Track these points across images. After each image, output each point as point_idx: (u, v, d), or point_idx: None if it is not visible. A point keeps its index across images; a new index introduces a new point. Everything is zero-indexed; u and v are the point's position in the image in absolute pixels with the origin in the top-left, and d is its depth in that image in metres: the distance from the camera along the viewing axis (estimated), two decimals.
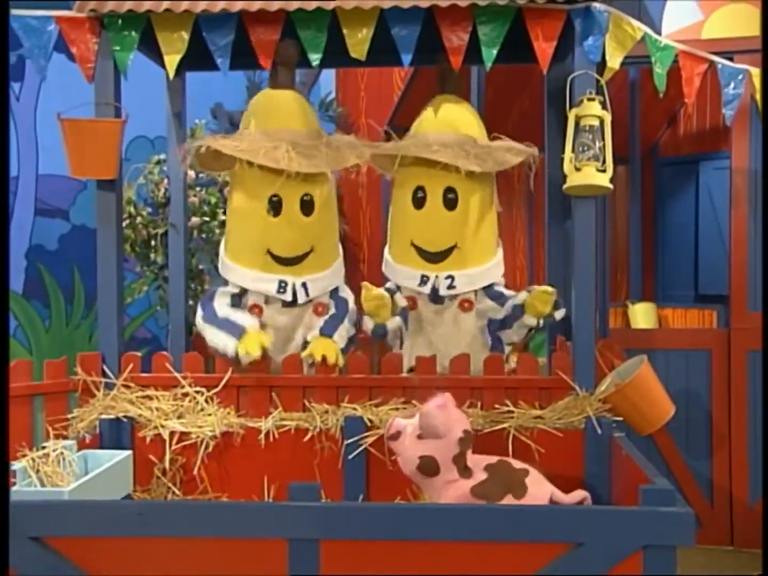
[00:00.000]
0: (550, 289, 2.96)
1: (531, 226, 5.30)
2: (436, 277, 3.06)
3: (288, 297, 2.98)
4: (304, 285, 2.98)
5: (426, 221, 3.07)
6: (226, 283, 3.07)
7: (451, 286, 3.06)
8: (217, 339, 2.90)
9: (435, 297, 3.10)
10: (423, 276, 3.07)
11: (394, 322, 3.03)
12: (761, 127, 3.37)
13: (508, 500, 2.36)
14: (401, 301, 3.09)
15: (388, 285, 3.24)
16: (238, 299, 3.04)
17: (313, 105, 4.39)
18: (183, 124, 3.50)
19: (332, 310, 3.07)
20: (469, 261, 3.07)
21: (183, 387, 2.86)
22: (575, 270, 2.85)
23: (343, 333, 3.02)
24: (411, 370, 2.99)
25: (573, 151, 2.74)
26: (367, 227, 5.15)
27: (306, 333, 3.04)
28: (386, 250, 3.25)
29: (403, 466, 2.39)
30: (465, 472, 2.36)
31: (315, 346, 2.89)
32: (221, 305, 3.00)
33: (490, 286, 3.14)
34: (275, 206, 2.95)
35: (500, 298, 3.12)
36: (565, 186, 2.80)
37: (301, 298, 3.00)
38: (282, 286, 2.96)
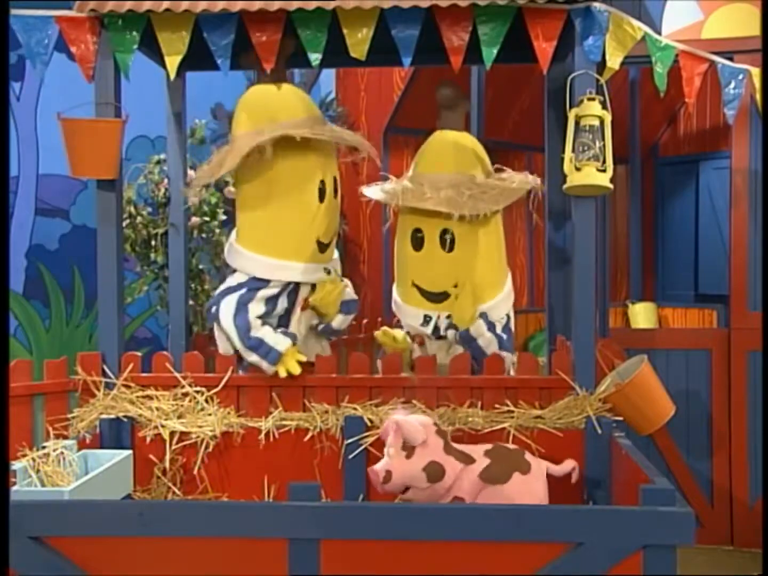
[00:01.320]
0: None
1: (531, 226, 5.30)
2: (438, 316, 3.08)
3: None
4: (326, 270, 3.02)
5: (424, 262, 3.09)
6: (255, 286, 2.92)
7: (450, 326, 3.08)
8: (248, 357, 2.87)
9: (438, 336, 3.11)
10: (426, 316, 3.10)
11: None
12: (761, 127, 3.37)
13: (517, 478, 2.41)
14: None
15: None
16: (274, 302, 2.93)
17: None
18: (183, 123, 3.49)
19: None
20: (471, 301, 3.05)
21: (183, 387, 2.86)
22: (575, 270, 2.84)
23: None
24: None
25: (573, 150, 2.73)
26: (367, 227, 5.14)
27: None
28: (394, 288, 3.27)
29: (414, 494, 2.37)
30: (465, 458, 2.38)
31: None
32: (255, 319, 2.87)
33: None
34: (322, 191, 2.94)
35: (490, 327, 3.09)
36: (565, 186, 2.79)
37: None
38: (325, 271, 3.01)
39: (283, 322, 2.97)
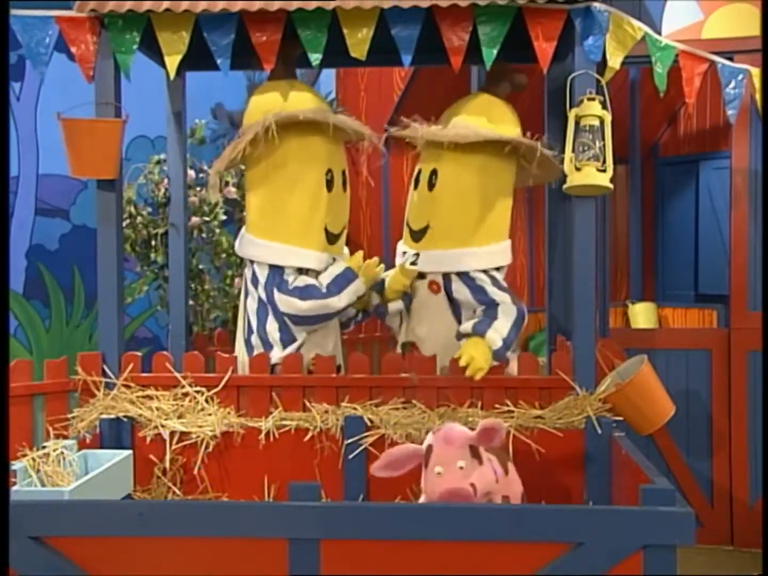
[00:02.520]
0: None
1: (531, 226, 5.30)
2: (413, 253, 3.14)
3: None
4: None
5: (414, 201, 3.18)
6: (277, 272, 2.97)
7: (413, 263, 3.10)
8: (343, 300, 2.96)
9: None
10: (403, 252, 3.19)
11: (396, 305, 3.17)
12: (761, 127, 3.37)
13: (511, 467, 2.39)
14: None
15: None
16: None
17: None
18: (183, 123, 3.50)
19: None
20: (440, 243, 3.06)
21: (183, 387, 2.87)
22: (575, 270, 2.85)
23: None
24: (404, 345, 3.13)
25: (573, 150, 2.74)
26: (367, 227, 5.15)
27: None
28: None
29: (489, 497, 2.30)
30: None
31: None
32: (304, 278, 2.98)
33: (469, 276, 3.04)
34: (329, 181, 2.99)
35: (480, 294, 3.03)
36: (565, 186, 2.80)
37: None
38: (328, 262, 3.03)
39: None
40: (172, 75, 2.83)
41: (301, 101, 2.97)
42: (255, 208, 3.05)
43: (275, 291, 2.96)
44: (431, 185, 3.07)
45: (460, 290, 3.05)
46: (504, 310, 3.00)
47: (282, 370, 2.92)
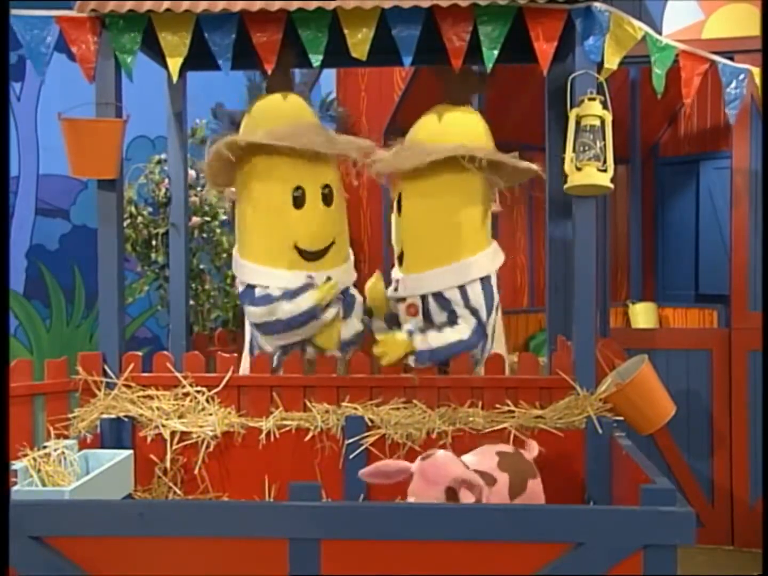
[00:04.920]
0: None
1: (532, 226, 5.30)
2: (395, 279, 3.07)
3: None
4: (328, 278, 2.96)
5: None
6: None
7: (395, 289, 3.07)
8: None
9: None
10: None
11: (378, 323, 3.12)
12: (762, 126, 3.37)
13: (531, 484, 2.38)
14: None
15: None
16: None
17: (314, 105, 4.39)
18: (184, 123, 3.50)
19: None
20: (414, 266, 3.01)
21: (184, 387, 2.87)
22: (576, 269, 2.85)
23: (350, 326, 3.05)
24: None
25: (574, 150, 2.74)
26: (368, 227, 5.14)
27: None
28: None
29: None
30: (489, 479, 2.29)
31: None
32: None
33: (443, 296, 2.98)
34: (299, 198, 2.95)
35: (450, 313, 2.98)
36: (566, 186, 2.80)
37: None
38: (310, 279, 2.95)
39: None
40: (175, 78, 2.84)
41: (292, 115, 2.98)
42: (236, 226, 3.15)
43: (245, 304, 3.01)
44: (399, 209, 3.05)
45: (435, 311, 3.00)
46: (457, 328, 2.95)
47: (283, 371, 2.92)
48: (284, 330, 2.92)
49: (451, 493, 2.14)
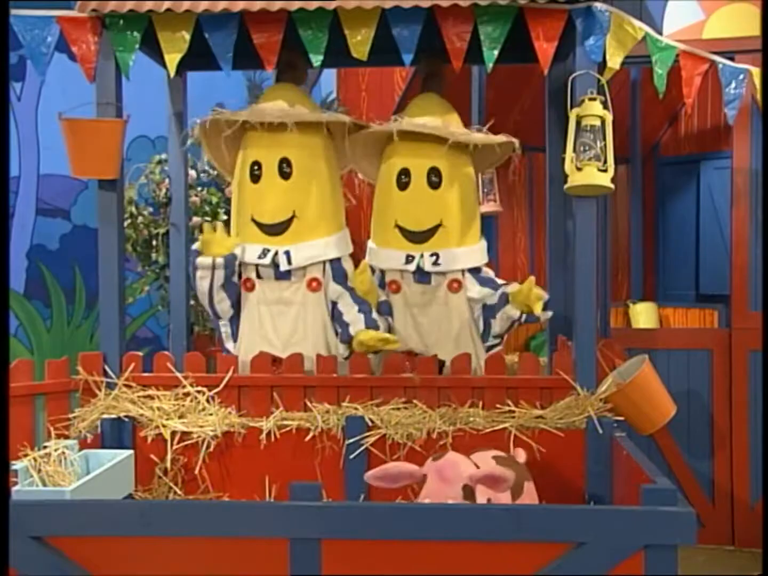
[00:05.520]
0: (543, 294, 2.96)
1: (532, 226, 5.30)
2: (421, 255, 3.06)
3: (267, 263, 2.99)
4: (286, 253, 2.99)
5: (411, 202, 3.09)
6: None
7: (436, 263, 3.06)
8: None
9: (421, 276, 3.10)
10: (408, 255, 3.07)
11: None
12: (762, 126, 3.37)
13: (528, 487, 2.40)
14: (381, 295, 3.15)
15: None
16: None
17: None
18: (184, 123, 3.49)
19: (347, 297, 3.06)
20: (453, 240, 3.08)
21: (184, 387, 2.87)
22: (576, 269, 2.84)
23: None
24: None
25: (574, 150, 2.73)
26: (367, 226, 5.12)
27: (301, 311, 3.03)
28: (369, 240, 3.26)
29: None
30: None
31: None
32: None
33: (479, 271, 3.12)
34: (256, 174, 3.03)
35: (492, 283, 3.11)
36: (566, 186, 2.80)
37: (284, 265, 3.00)
38: (263, 253, 2.99)
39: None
40: (172, 73, 2.84)
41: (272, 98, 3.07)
42: None
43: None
44: (434, 183, 3.06)
45: (474, 287, 3.09)
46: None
47: (284, 370, 2.92)
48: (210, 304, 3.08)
49: (468, 490, 2.14)
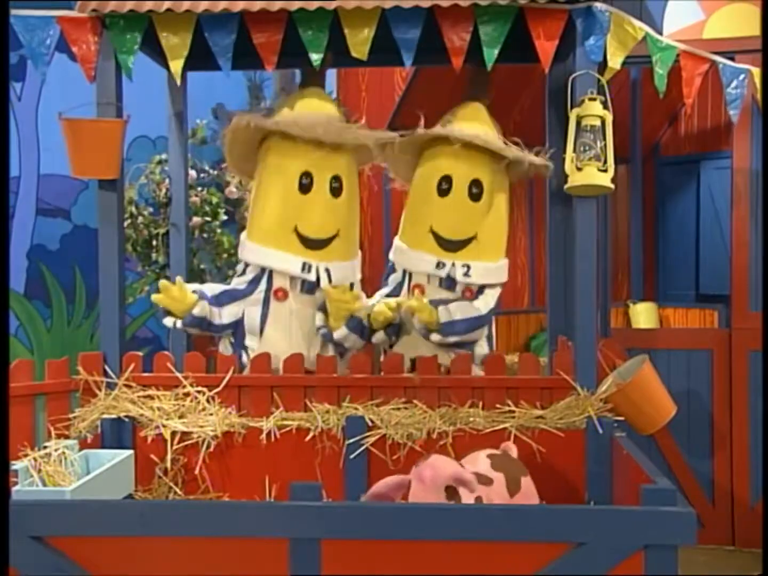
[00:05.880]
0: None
1: (532, 226, 5.30)
2: (453, 264, 3.08)
3: (312, 278, 2.97)
4: (326, 270, 2.98)
5: (449, 210, 3.09)
6: (243, 270, 3.07)
7: (467, 274, 3.08)
8: None
9: (447, 283, 3.11)
10: (439, 262, 3.09)
11: (380, 336, 3.09)
12: (762, 126, 3.37)
13: (525, 482, 2.40)
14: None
15: (383, 291, 3.26)
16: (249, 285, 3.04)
17: None
18: (184, 124, 3.50)
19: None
20: (484, 254, 3.11)
21: (184, 387, 2.87)
22: (576, 270, 2.85)
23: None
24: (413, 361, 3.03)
25: (574, 151, 2.74)
26: (368, 227, 5.14)
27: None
28: (397, 238, 3.26)
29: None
30: (486, 480, 2.30)
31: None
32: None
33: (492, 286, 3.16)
34: (305, 184, 2.97)
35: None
36: (566, 186, 2.80)
37: (324, 282, 2.98)
38: (306, 268, 2.97)
39: (263, 309, 3.01)
40: (178, 80, 2.85)
41: (317, 107, 3.04)
42: (250, 210, 3.17)
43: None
44: (474, 195, 3.07)
45: (483, 298, 3.13)
46: (476, 304, 3.10)
47: (284, 370, 2.92)
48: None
49: (452, 491, 2.14)
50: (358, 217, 3.16)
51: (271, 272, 3.01)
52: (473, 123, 3.10)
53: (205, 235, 4.14)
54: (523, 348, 4.77)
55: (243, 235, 3.12)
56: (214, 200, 4.14)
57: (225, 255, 4.14)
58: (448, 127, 3.08)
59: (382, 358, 3.09)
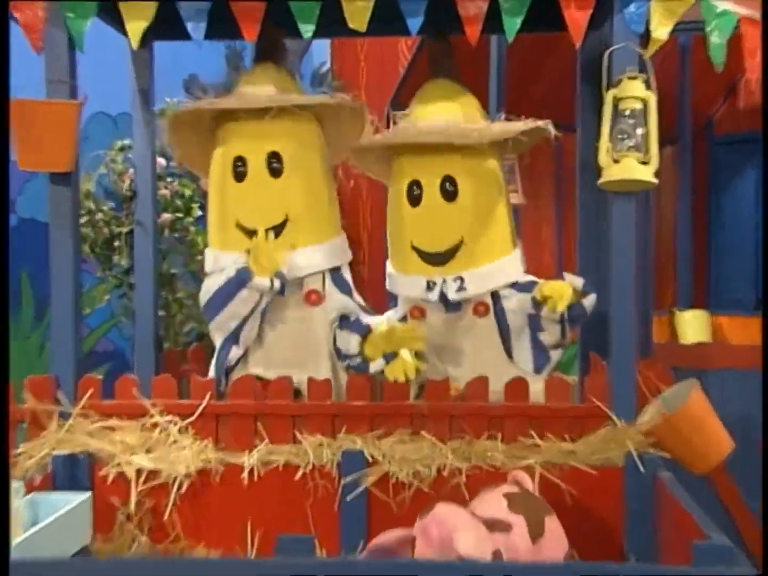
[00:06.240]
0: (568, 284, 2.99)
1: (559, 220, 5.29)
2: (443, 281, 3.06)
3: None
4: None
5: (425, 219, 3.08)
6: None
7: (461, 288, 3.06)
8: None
9: (447, 304, 3.10)
10: (429, 282, 3.08)
11: (378, 364, 3.04)
12: (762, 126, 3.33)
13: (550, 522, 2.39)
14: None
15: (391, 315, 3.27)
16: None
17: (305, 78, 4.39)
18: (151, 102, 3.50)
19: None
20: (479, 257, 3.08)
21: (152, 416, 2.87)
22: (612, 273, 2.84)
23: None
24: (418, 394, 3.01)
25: (610, 139, 2.72)
26: (368, 223, 5.15)
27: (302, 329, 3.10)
28: (388, 263, 3.28)
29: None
30: (500, 526, 2.29)
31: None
32: None
33: (521, 284, 3.13)
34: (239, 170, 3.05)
35: (532, 285, 3.10)
36: (600, 180, 2.79)
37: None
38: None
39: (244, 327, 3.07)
40: (135, 45, 2.84)
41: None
42: None
43: None
44: (449, 195, 3.05)
45: (514, 303, 3.09)
46: None
47: (270, 395, 2.92)
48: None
49: None
50: (320, 194, 3.14)
51: None
52: (437, 105, 3.08)
53: (176, 235, 4.16)
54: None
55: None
56: (187, 193, 4.15)
57: (200, 257, 4.14)
58: (408, 120, 3.09)
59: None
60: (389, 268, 3.25)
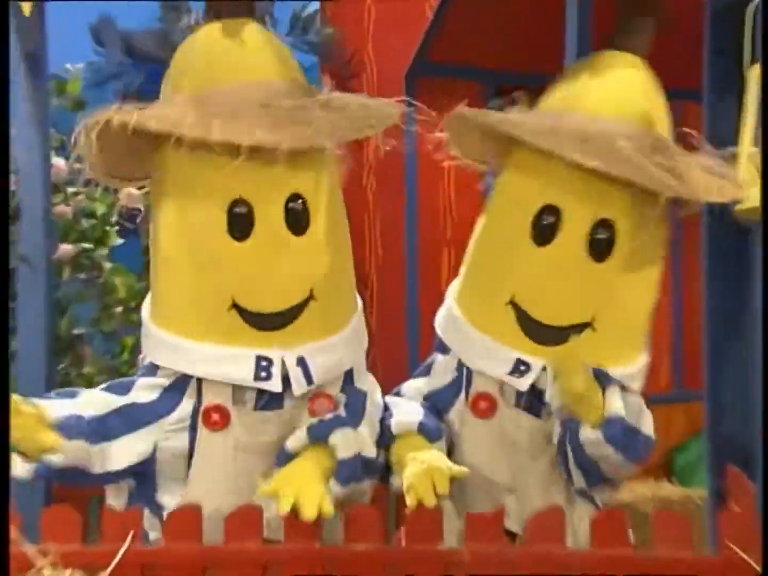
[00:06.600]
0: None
1: (678, 271, 5.30)
2: (544, 369, 3.11)
3: (275, 386, 2.99)
4: (301, 362, 3.01)
5: (552, 270, 3.12)
6: (152, 370, 3.10)
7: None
8: None
9: (531, 402, 3.17)
10: (521, 362, 3.12)
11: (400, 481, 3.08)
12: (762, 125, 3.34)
13: None
14: None
15: (419, 385, 3.37)
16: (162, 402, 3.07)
17: (279, 26, 4.41)
18: (43, 71, 3.59)
19: (340, 409, 3.10)
20: (605, 351, 3.13)
21: (40, 570, 2.84)
22: (758, 334, 2.77)
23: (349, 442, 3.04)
24: None
25: (756, 143, 2.70)
26: (377, 248, 5.16)
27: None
28: (452, 298, 3.34)
29: None
30: None
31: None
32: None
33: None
34: (241, 221, 2.93)
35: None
36: (738, 207, 2.82)
37: (299, 385, 3.02)
38: (262, 367, 2.97)
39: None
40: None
41: (255, 68, 2.99)
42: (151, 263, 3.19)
43: None
44: (599, 248, 3.07)
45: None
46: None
47: (225, 535, 2.91)
48: None
49: None
50: (346, 254, 3.19)
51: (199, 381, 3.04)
52: (608, 104, 3.11)
53: (83, 276, 4.17)
54: (662, 469, 4.75)
55: (144, 313, 3.16)
56: (100, 211, 4.16)
57: (119, 309, 4.16)
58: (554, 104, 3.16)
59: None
60: (454, 309, 3.31)
